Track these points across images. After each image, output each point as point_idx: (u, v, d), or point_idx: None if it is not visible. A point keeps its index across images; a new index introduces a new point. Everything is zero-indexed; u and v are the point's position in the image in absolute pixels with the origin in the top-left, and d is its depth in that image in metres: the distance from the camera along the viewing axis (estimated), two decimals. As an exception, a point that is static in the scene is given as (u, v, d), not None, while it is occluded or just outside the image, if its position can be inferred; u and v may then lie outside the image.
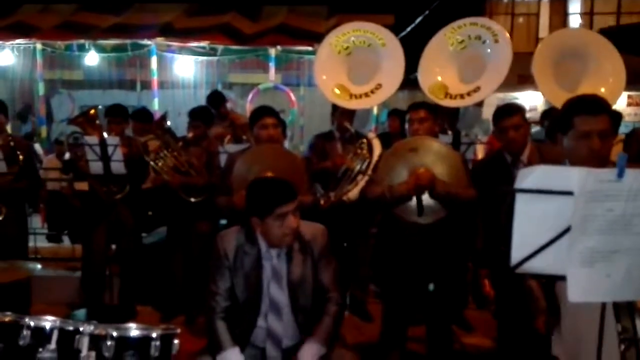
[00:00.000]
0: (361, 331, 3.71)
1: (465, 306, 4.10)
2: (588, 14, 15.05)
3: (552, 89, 3.71)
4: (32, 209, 5.98)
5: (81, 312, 4.09)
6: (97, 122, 3.99)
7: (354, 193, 3.79)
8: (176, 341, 1.93)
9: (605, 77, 3.71)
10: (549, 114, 4.59)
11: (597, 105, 1.98)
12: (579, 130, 1.94)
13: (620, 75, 3.74)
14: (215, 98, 5.45)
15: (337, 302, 2.34)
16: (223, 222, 4.15)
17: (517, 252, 1.52)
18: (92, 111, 4.11)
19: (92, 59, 9.45)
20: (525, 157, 2.86)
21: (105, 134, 3.90)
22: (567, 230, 1.50)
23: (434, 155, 2.89)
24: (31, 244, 5.15)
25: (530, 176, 1.51)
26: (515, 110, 2.97)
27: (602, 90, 3.68)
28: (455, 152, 3.53)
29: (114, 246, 4.12)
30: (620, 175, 1.47)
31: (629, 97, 13.05)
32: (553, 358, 1.95)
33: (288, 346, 2.30)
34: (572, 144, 1.96)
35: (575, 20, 15.02)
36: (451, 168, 2.87)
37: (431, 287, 2.95)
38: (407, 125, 3.23)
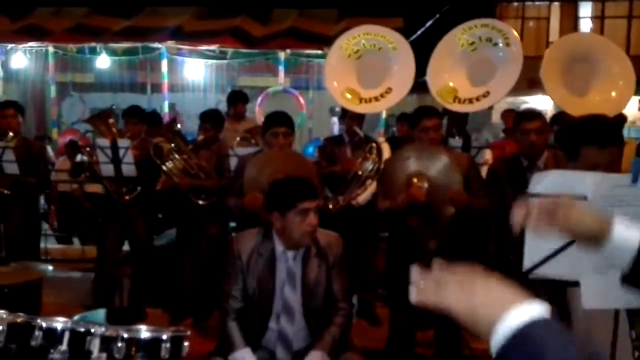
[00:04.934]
0: (369, 335, 3.70)
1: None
2: (599, 18, 14.95)
3: (561, 93, 3.69)
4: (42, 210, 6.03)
5: (99, 313, 4.08)
6: (111, 121, 4.02)
7: (362, 197, 3.78)
8: (186, 343, 1.93)
9: (615, 81, 3.68)
10: (558, 118, 4.56)
11: (608, 137, 1.94)
12: (587, 162, 1.91)
13: (630, 79, 3.71)
14: (237, 95, 5.50)
15: (345, 314, 2.34)
16: (232, 224, 4.16)
17: (530, 258, 1.52)
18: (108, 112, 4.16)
19: (103, 62, 9.52)
20: (542, 162, 2.85)
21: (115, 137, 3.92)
22: (580, 235, 1.49)
23: (431, 160, 2.92)
24: (42, 245, 5.20)
25: (544, 180, 1.50)
26: (538, 114, 2.99)
27: (613, 94, 3.65)
28: (463, 154, 3.53)
29: (126, 248, 4.13)
30: (635, 180, 1.46)
31: (640, 101, 12.93)
32: None
33: (298, 349, 2.30)
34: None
35: (586, 24, 14.92)
36: (451, 171, 2.90)
37: None
38: (417, 132, 3.13)
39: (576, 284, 1.52)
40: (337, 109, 4.20)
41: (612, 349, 1.56)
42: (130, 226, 4.00)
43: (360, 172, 3.76)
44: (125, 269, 4.10)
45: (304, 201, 2.17)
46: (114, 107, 4.43)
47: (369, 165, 3.77)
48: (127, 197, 3.89)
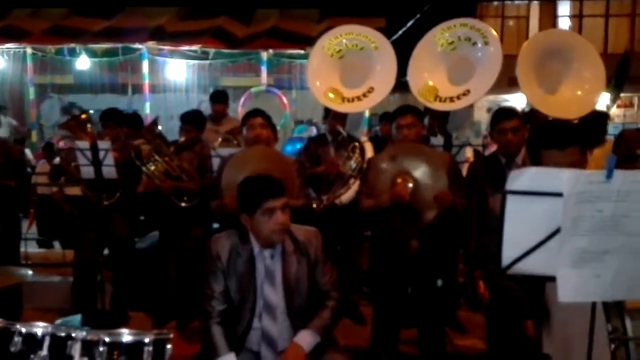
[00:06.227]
0: (354, 334, 3.71)
1: (457, 308, 4.11)
2: (577, 17, 15.21)
3: (534, 89, 3.74)
4: (22, 214, 5.94)
5: (76, 318, 4.03)
6: (89, 126, 3.96)
7: (346, 196, 3.80)
8: (169, 346, 1.92)
9: (582, 83, 3.77)
10: (530, 115, 4.60)
11: (566, 138, 1.92)
12: (549, 165, 1.90)
13: (598, 82, 3.79)
14: (216, 95, 5.49)
15: (336, 299, 2.35)
16: (215, 226, 4.14)
17: (508, 253, 1.54)
18: (84, 115, 4.08)
19: (83, 63, 9.42)
20: (520, 159, 2.89)
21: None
22: (557, 231, 1.52)
23: (417, 161, 2.94)
24: (22, 249, 5.11)
25: (521, 178, 1.52)
26: (514, 113, 3.02)
27: (579, 93, 3.74)
28: (445, 153, 3.56)
29: (106, 252, 4.08)
30: (609, 176, 1.48)
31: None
32: (544, 356, 1.97)
33: (283, 348, 2.30)
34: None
35: (564, 23, 15.17)
36: (437, 173, 2.91)
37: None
38: (394, 131, 3.19)
39: (554, 279, 1.54)
40: (315, 120, 4.21)
41: (589, 341, 1.59)
42: (111, 230, 3.94)
43: (343, 172, 3.77)
44: (106, 272, 4.05)
45: (268, 200, 2.16)
46: (91, 111, 4.35)
47: (352, 165, 3.78)
48: (106, 203, 3.84)
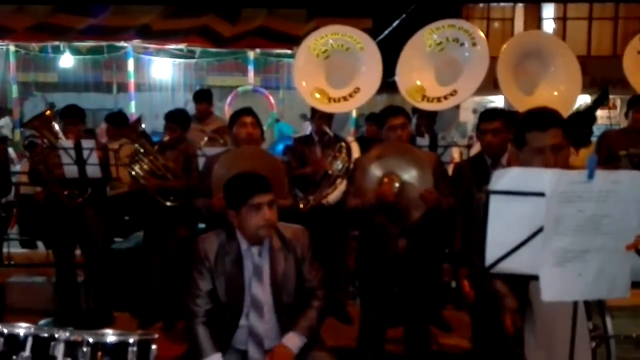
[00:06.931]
0: (340, 333, 3.72)
1: (443, 307, 4.15)
2: (561, 19, 15.42)
3: (512, 90, 3.80)
4: (5, 213, 5.86)
5: (46, 322, 3.94)
6: (54, 123, 3.85)
7: (333, 196, 3.81)
8: (154, 347, 1.91)
9: (558, 84, 3.82)
10: (508, 116, 4.65)
11: (547, 120, 1.95)
12: (532, 147, 1.92)
13: (574, 84, 3.85)
14: (202, 94, 5.47)
15: (322, 298, 2.36)
16: (202, 226, 4.12)
17: (491, 253, 1.55)
18: (48, 112, 3.99)
19: (67, 61, 9.32)
20: (505, 160, 2.93)
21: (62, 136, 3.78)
22: (540, 230, 1.54)
23: (404, 161, 2.95)
24: (4, 249, 5.04)
25: (504, 178, 1.54)
26: (496, 115, 3.04)
27: (555, 94, 3.79)
28: (431, 153, 3.59)
29: (78, 251, 4.01)
30: (591, 176, 1.51)
31: (602, 100, 13.36)
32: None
33: (270, 347, 2.30)
34: (526, 160, 1.94)
35: (549, 25, 15.37)
36: (423, 173, 2.93)
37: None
38: (386, 131, 3.18)
39: (537, 278, 1.56)
40: (309, 116, 4.23)
41: (571, 339, 1.61)
42: (84, 230, 3.86)
43: (330, 172, 3.78)
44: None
45: (254, 196, 2.16)
46: (56, 109, 4.24)
47: (338, 165, 3.80)
48: (78, 200, 3.76)
